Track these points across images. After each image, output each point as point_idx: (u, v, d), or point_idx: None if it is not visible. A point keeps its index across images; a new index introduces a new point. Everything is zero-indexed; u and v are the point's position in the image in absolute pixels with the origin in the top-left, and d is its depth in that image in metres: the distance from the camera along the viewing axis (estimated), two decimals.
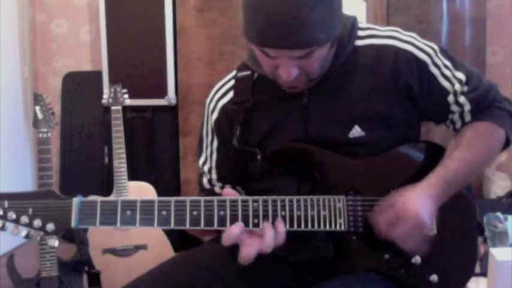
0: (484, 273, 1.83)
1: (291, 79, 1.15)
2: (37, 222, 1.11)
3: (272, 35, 1.07)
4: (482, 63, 3.16)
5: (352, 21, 1.27)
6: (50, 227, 1.12)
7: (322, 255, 1.23)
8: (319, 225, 1.17)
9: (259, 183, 1.30)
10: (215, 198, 1.16)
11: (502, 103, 1.29)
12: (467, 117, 1.28)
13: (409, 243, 1.16)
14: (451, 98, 1.26)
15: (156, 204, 1.14)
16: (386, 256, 1.21)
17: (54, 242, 1.16)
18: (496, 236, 2.46)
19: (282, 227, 1.14)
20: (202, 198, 1.15)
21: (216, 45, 3.04)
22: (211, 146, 1.37)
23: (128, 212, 1.13)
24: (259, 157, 1.25)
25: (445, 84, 1.26)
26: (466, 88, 1.26)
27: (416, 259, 1.21)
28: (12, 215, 1.11)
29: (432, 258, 1.22)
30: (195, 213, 1.14)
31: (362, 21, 1.31)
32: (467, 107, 1.26)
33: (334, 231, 1.18)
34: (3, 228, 1.12)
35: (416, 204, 1.14)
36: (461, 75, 1.26)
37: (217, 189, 1.38)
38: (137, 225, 1.14)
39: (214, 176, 1.38)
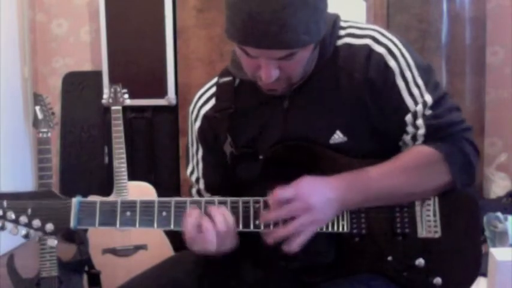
0: (484, 273, 1.82)
1: (271, 81, 1.12)
2: (36, 223, 1.11)
3: (253, 34, 1.04)
4: (482, 63, 3.16)
5: (334, 20, 1.21)
6: (49, 227, 1.11)
7: (324, 261, 1.21)
8: (321, 227, 1.16)
9: (256, 187, 1.28)
10: (216, 199, 1.15)
11: (461, 142, 1.19)
12: (420, 141, 1.20)
13: (293, 226, 1.10)
14: (409, 118, 1.19)
15: (156, 204, 1.13)
16: (389, 258, 1.20)
17: (53, 242, 1.16)
18: (496, 236, 2.46)
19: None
20: (203, 199, 1.15)
21: (216, 45, 3.04)
22: (196, 156, 1.34)
23: (128, 213, 1.13)
24: (261, 157, 1.23)
25: (408, 100, 1.18)
26: (428, 112, 1.18)
27: (420, 261, 1.19)
28: (11, 214, 1.11)
29: (436, 261, 1.20)
30: None
31: (346, 20, 1.25)
32: (421, 131, 1.19)
33: (337, 232, 1.18)
34: (2, 228, 1.11)
35: (310, 188, 1.12)
36: (429, 98, 1.18)
37: None
38: (137, 226, 1.13)
39: (201, 186, 1.34)
